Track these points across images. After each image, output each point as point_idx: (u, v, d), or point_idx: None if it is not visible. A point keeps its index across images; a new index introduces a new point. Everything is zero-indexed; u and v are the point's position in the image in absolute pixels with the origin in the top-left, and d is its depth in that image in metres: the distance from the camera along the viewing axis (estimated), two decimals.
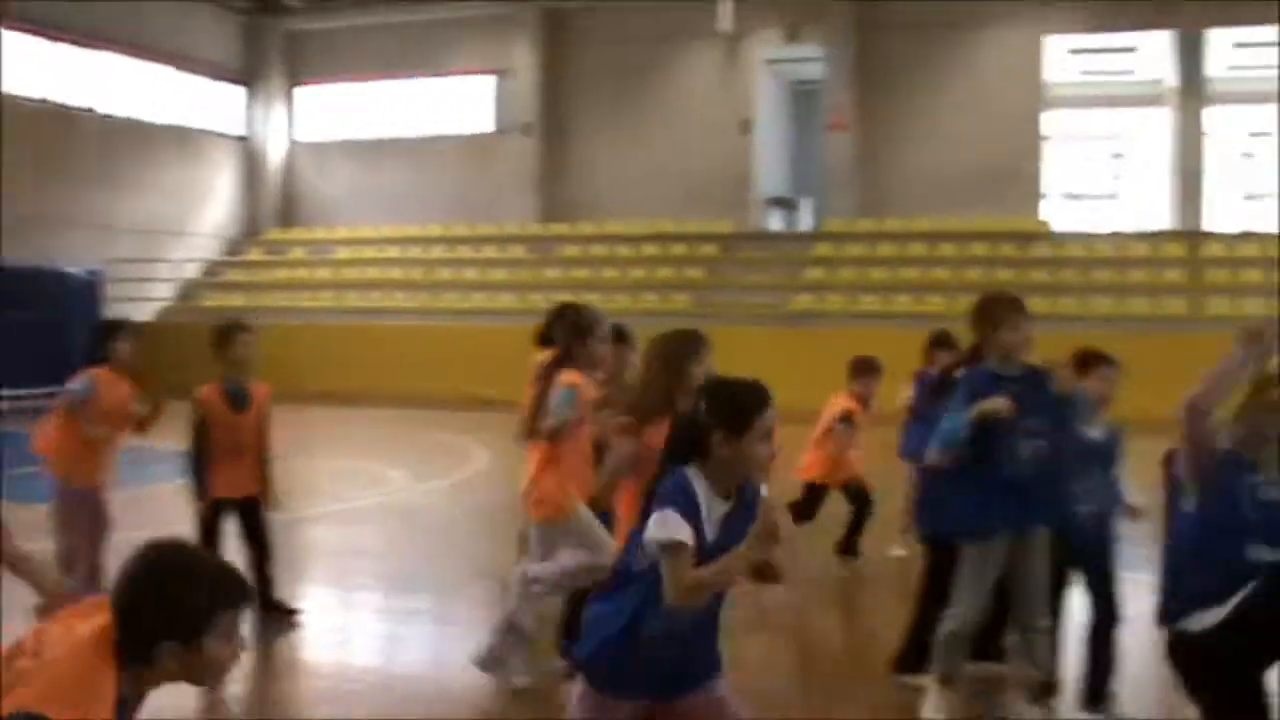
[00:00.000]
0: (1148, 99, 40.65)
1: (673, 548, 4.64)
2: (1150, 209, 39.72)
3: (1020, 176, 38.58)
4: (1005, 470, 7.24)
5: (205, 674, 3.57)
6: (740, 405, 4.85)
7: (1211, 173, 38.78)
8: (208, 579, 3.57)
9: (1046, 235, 37.18)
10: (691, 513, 4.72)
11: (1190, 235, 36.45)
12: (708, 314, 33.39)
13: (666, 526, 4.65)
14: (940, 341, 11.85)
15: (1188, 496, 5.62)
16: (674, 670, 4.91)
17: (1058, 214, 39.73)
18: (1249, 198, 40.66)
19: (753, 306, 34.53)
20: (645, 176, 40.19)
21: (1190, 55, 38.13)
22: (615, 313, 23.93)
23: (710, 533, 4.75)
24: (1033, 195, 39.20)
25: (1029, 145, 39.15)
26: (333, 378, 34.23)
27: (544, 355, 9.42)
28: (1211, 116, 38.58)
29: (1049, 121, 39.73)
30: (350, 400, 32.54)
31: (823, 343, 28.78)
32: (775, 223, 42.45)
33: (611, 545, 7.87)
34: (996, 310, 7.42)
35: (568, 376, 8.23)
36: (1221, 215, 38.85)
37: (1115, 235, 36.94)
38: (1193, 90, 38.23)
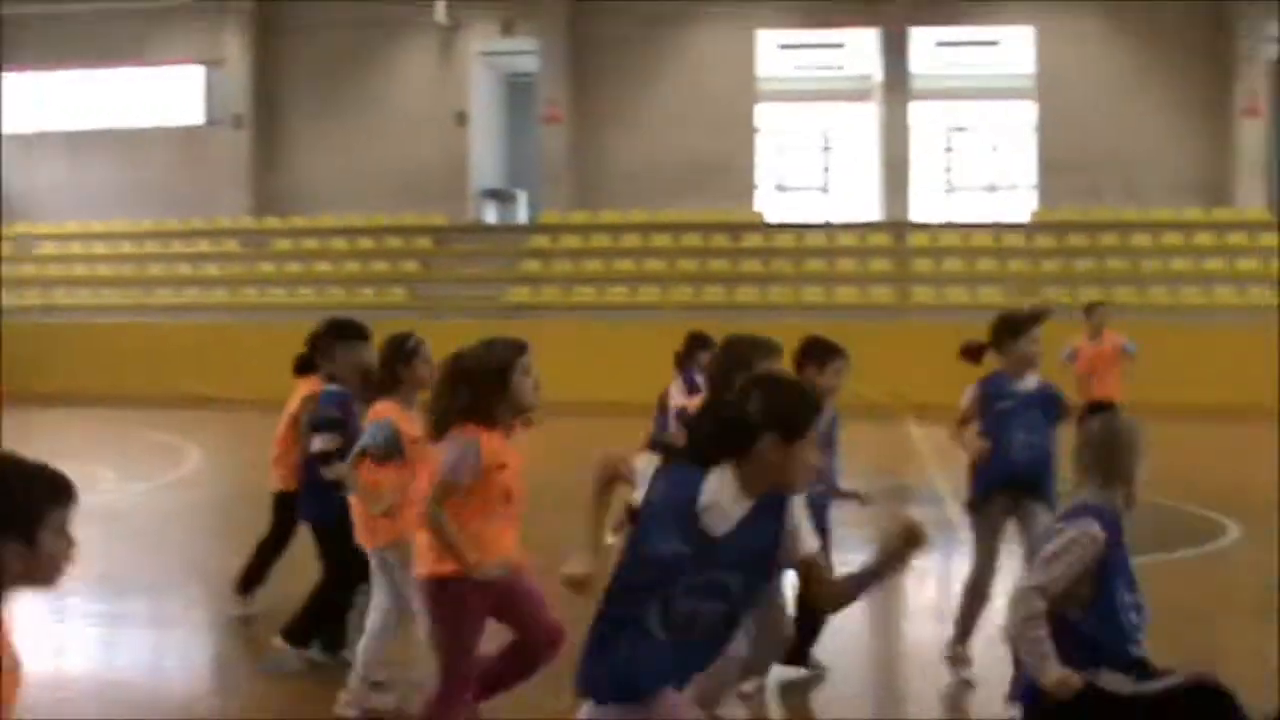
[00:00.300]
0: (856, 94, 41.75)
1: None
2: (859, 201, 40.80)
3: (733, 169, 39.30)
4: None
5: (46, 572, 3.61)
6: (800, 409, 4.57)
7: (916, 166, 40.03)
8: (35, 476, 3.61)
9: (759, 226, 37.95)
10: (680, 523, 4.49)
11: (896, 226, 37.58)
12: (423, 307, 33.28)
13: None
14: (702, 342, 11.92)
15: (1073, 610, 5.46)
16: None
17: (770, 206, 40.54)
18: (950, 190, 42.06)
19: (468, 299, 34.52)
20: (360, 169, 39.77)
21: (895, 52, 39.26)
22: (329, 307, 23.73)
23: (721, 528, 4.49)
24: (745, 187, 39.96)
25: (741, 138, 39.89)
26: (39, 378, 33.08)
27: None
28: (916, 112, 39.79)
29: (761, 115, 40.52)
30: (59, 401, 31.50)
31: (539, 334, 28.83)
32: (491, 215, 42.46)
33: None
34: (751, 356, 7.20)
35: (381, 408, 7.87)
36: (925, 207, 40.12)
37: (825, 226, 37.87)
38: (898, 86, 39.38)
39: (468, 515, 6.25)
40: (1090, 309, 16.66)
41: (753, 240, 36.74)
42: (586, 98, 39.67)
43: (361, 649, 7.93)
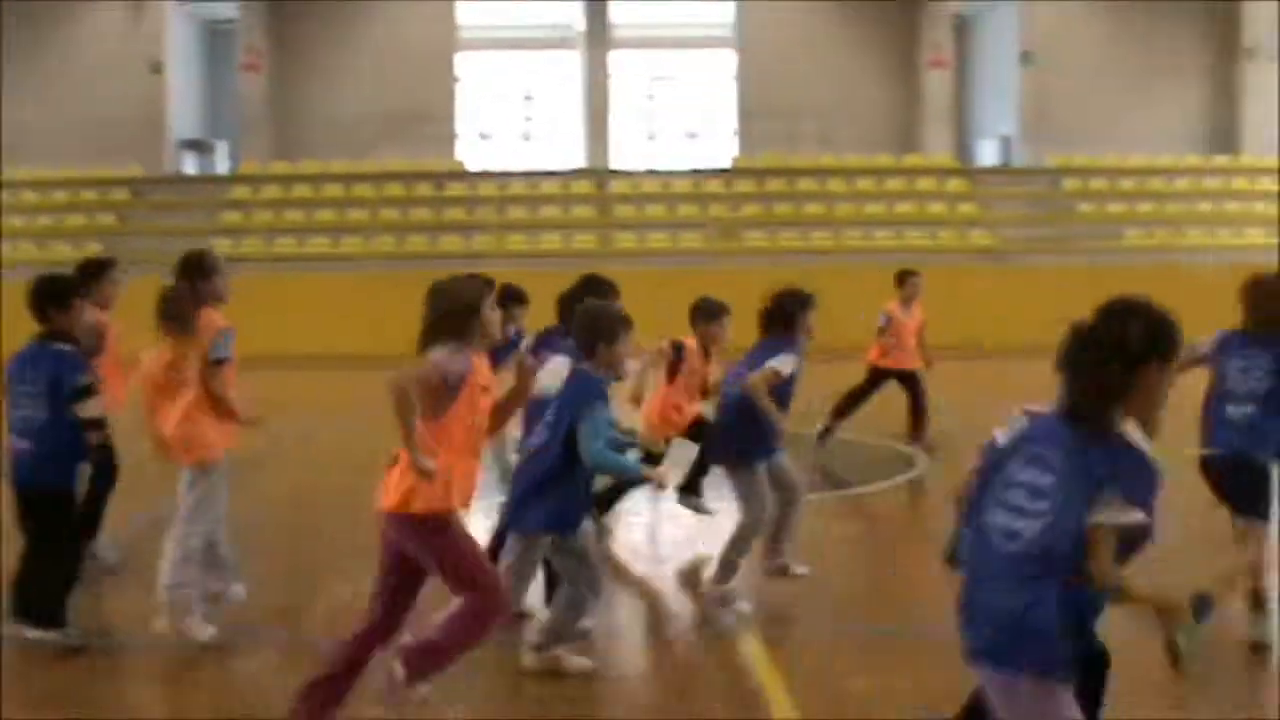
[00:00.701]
0: (557, 42, 41.91)
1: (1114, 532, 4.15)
2: (561, 149, 41.02)
3: (435, 118, 39.15)
4: (588, 476, 7.46)
5: None
6: (1175, 329, 4.30)
7: (618, 114, 40.42)
8: None
9: (461, 175, 37.85)
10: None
11: (598, 174, 37.90)
12: (121, 261, 32.36)
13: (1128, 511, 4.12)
14: (517, 296, 11.86)
15: None
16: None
17: (472, 154, 40.50)
18: (652, 138, 42.58)
19: (168, 253, 33.55)
20: (51, 120, 38.35)
21: (596, 1, 39.52)
22: (21, 264, 22.88)
23: None
24: (447, 136, 39.85)
25: (443, 87, 39.74)
26: None
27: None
28: (617, 60, 40.14)
29: (462, 63, 40.41)
30: None
31: (240, 288, 28.43)
32: (189, 166, 41.49)
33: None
34: (614, 325, 7.49)
35: (220, 319, 8.16)
36: (628, 154, 40.56)
37: (528, 174, 37.94)
38: (599, 35, 39.68)
39: (446, 444, 6.15)
40: (903, 278, 16.67)
41: (456, 189, 36.63)
42: (287, 46, 39.04)
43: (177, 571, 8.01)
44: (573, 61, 41.17)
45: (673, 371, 10.44)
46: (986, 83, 42.27)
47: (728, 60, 41.15)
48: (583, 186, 36.87)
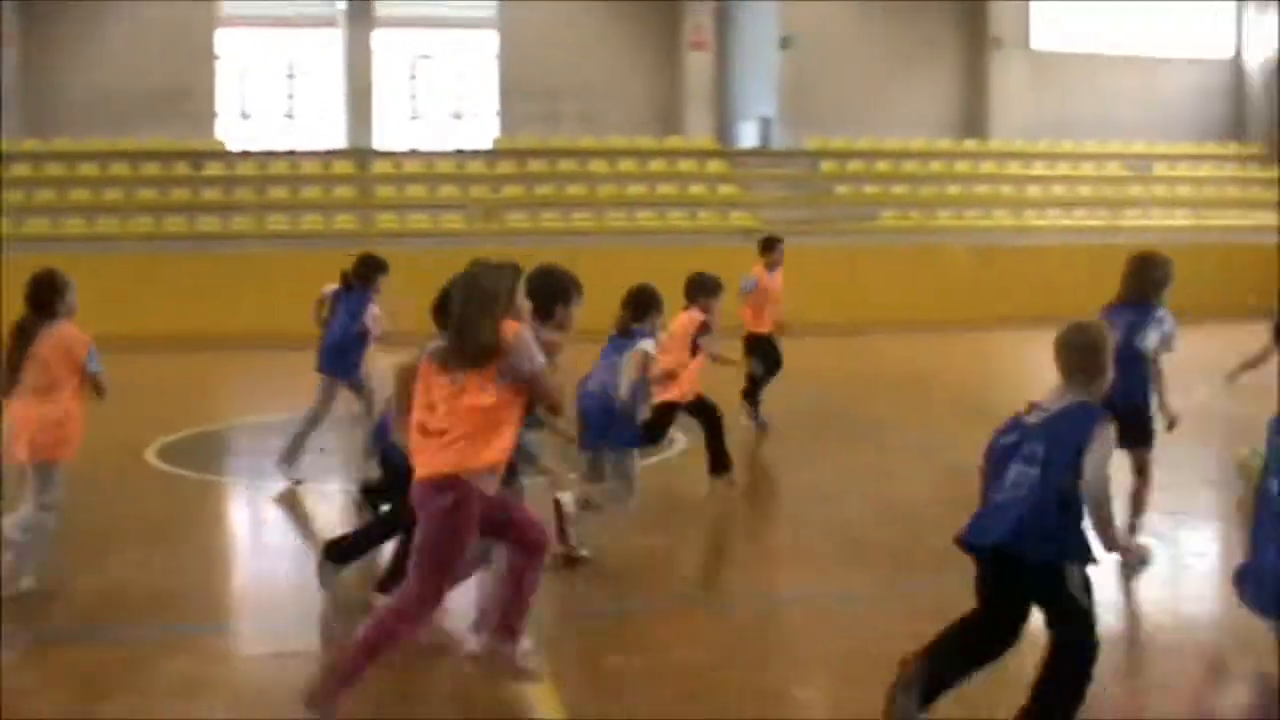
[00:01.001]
0: (320, 20, 41.39)
1: None
2: (323, 128, 40.55)
3: (193, 95, 38.42)
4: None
5: None
6: None
7: (381, 93, 40.15)
8: None
9: (221, 154, 37.19)
10: None
11: (360, 153, 37.61)
12: None
13: None
14: (380, 265, 13.44)
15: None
16: None
17: (232, 133, 39.81)
18: (415, 118, 42.33)
19: None
20: None
21: None
22: None
23: None
24: (206, 114, 39.12)
25: (202, 64, 39.01)
26: None
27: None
28: (380, 40, 39.87)
29: (222, 41, 39.72)
30: None
31: None
32: None
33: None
34: (568, 287, 8.04)
35: (80, 333, 9.02)
36: (390, 134, 40.28)
37: (290, 154, 37.41)
38: (361, 14, 39.39)
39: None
40: (770, 243, 17.05)
41: (215, 168, 35.98)
42: (38, 19, 37.84)
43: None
44: (335, 40, 40.71)
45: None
46: (747, 66, 42.87)
47: (490, 41, 41.12)
48: (344, 166, 36.57)
